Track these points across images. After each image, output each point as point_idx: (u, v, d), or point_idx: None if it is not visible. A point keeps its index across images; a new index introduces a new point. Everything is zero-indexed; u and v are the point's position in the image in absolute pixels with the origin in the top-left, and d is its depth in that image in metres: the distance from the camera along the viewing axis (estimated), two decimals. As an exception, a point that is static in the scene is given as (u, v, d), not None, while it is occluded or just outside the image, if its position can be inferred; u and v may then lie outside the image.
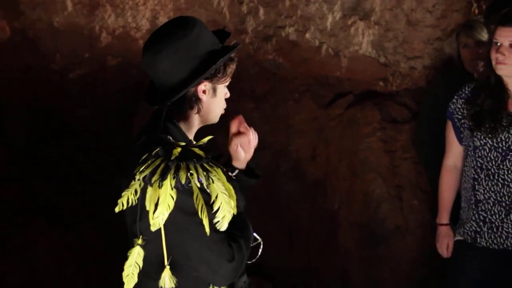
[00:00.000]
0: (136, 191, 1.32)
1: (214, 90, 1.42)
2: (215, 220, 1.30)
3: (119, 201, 1.33)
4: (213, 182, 1.30)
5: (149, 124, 1.42)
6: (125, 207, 1.33)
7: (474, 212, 2.13)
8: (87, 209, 3.12)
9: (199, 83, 1.38)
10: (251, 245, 1.46)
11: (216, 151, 1.43)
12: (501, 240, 2.09)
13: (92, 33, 2.89)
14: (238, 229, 1.38)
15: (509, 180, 2.05)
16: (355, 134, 2.86)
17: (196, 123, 1.44)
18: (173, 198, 1.28)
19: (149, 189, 1.29)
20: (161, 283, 1.35)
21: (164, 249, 1.34)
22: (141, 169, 1.30)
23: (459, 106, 2.16)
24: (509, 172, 2.05)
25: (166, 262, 1.34)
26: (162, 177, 1.27)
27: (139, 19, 2.85)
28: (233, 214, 1.33)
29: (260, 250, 1.51)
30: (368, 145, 2.82)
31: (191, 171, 1.28)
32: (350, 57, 2.82)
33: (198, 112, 1.41)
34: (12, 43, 2.95)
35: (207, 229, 1.29)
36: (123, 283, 1.38)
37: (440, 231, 2.28)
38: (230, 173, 1.46)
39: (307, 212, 3.03)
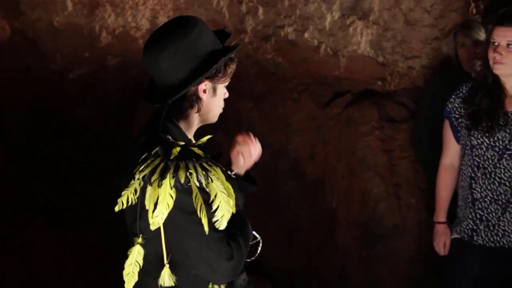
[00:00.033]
0: (135, 190, 1.32)
1: (214, 89, 1.43)
2: (214, 219, 1.31)
3: (119, 200, 1.34)
4: (212, 181, 1.31)
5: (149, 123, 1.43)
6: (125, 206, 1.34)
7: (471, 210, 2.14)
8: (87, 209, 3.11)
9: (200, 82, 1.39)
10: (250, 243, 1.47)
11: (215, 150, 1.44)
12: (498, 238, 2.10)
13: (92, 32, 2.89)
14: (237, 228, 1.39)
15: (505, 179, 2.06)
16: (353, 133, 2.87)
17: (195, 122, 1.45)
18: (172, 197, 1.29)
19: (149, 188, 1.30)
20: (160, 281, 1.35)
21: (163, 248, 1.35)
22: (140, 169, 1.31)
23: (457, 106, 2.17)
24: (506, 170, 2.06)
25: (165, 261, 1.35)
26: (162, 177, 1.28)
27: (139, 18, 2.85)
28: (232, 213, 1.34)
29: (259, 248, 1.52)
30: (366, 144, 2.82)
31: (190, 171, 1.29)
32: (348, 56, 2.82)
33: (198, 111, 1.42)
34: (12, 43, 2.95)
35: (206, 228, 1.30)
36: (123, 283, 1.39)
37: (437, 229, 2.29)
38: (229, 172, 1.47)
39: (306, 211, 3.04)
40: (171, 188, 1.28)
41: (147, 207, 1.31)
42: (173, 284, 1.35)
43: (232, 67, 1.43)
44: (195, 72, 1.37)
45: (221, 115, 1.49)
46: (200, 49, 1.37)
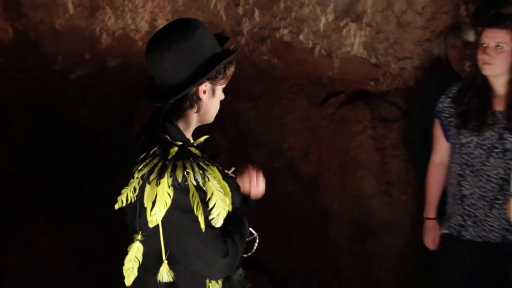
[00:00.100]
0: (135, 189, 1.35)
1: (214, 91, 1.46)
2: (210, 217, 1.34)
3: (118, 198, 1.38)
4: (208, 180, 1.34)
5: (149, 123, 1.45)
6: (124, 204, 1.37)
7: (460, 206, 2.18)
8: (87, 209, 3.12)
9: (201, 83, 1.42)
10: (247, 239, 1.50)
11: (212, 150, 1.46)
12: (485, 233, 2.13)
13: (93, 34, 2.91)
14: (234, 225, 1.42)
15: (493, 176, 2.09)
16: (346, 133, 2.88)
17: (194, 122, 1.48)
18: (170, 196, 1.31)
19: (147, 187, 1.33)
20: (159, 277, 1.38)
21: (162, 244, 1.38)
22: (139, 168, 1.34)
23: (447, 105, 2.20)
24: (493, 168, 2.09)
25: (164, 257, 1.38)
26: (160, 176, 1.31)
27: (138, 21, 2.86)
28: (229, 211, 1.37)
29: (256, 244, 1.55)
30: (359, 143, 2.84)
31: (187, 170, 1.32)
32: (342, 57, 2.83)
33: (198, 111, 1.45)
34: (15, 44, 2.96)
35: (203, 226, 1.33)
36: (123, 283, 1.42)
37: (427, 224, 2.32)
38: (226, 171, 1.50)
39: (301, 209, 3.04)
40: (169, 187, 1.31)
41: (145, 205, 1.34)
42: (171, 280, 1.38)
43: (231, 70, 1.47)
44: (197, 73, 1.40)
45: (218, 116, 1.52)
46: (201, 51, 1.41)
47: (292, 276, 3.09)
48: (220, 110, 1.52)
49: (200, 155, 1.36)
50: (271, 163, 3.08)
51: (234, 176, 1.53)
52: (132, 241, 1.41)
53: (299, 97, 3.04)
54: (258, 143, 3.14)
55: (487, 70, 2.07)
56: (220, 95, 1.49)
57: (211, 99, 1.47)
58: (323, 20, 2.75)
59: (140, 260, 1.39)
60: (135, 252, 1.39)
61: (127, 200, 1.37)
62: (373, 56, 2.81)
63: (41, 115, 3.26)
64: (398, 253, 2.78)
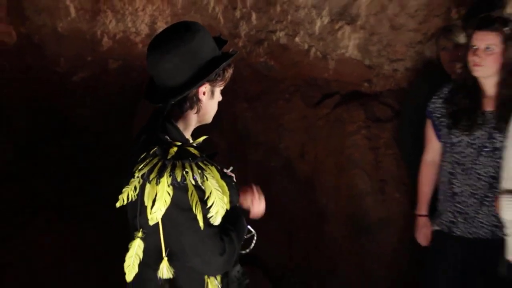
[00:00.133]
0: (135, 188, 1.39)
1: (213, 92, 1.50)
2: (208, 215, 1.37)
3: (120, 197, 1.41)
4: (207, 179, 1.37)
5: (149, 123, 1.49)
6: (125, 202, 1.41)
7: (451, 204, 2.21)
8: (87, 209, 3.13)
9: (201, 85, 1.45)
10: (246, 237, 1.54)
11: (211, 150, 1.50)
12: (475, 230, 2.17)
13: (94, 37, 2.93)
14: (231, 223, 1.46)
15: (483, 174, 2.13)
16: (341, 132, 2.90)
17: (193, 122, 1.51)
18: (169, 195, 1.35)
19: (147, 186, 1.37)
20: (159, 273, 1.42)
21: (162, 242, 1.41)
22: (139, 167, 1.37)
23: (438, 106, 2.23)
24: (483, 167, 2.12)
25: (164, 254, 1.42)
26: (159, 175, 1.34)
27: (139, 24, 2.88)
28: (227, 209, 1.40)
29: (254, 241, 1.58)
30: (354, 142, 2.86)
31: (186, 169, 1.35)
32: (337, 59, 2.84)
33: (197, 112, 1.49)
34: (18, 48, 2.98)
35: (201, 224, 1.36)
36: (123, 283, 1.45)
37: (419, 221, 2.35)
38: (224, 170, 1.54)
39: (298, 207, 3.06)
40: (168, 186, 1.35)
41: (146, 204, 1.37)
42: (171, 276, 1.42)
43: (230, 72, 1.50)
44: (197, 75, 1.43)
45: (216, 116, 1.55)
46: (202, 54, 1.44)
47: (292, 276, 3.11)
48: (218, 111, 1.55)
49: (198, 155, 1.39)
50: (268, 162, 3.10)
51: (232, 175, 1.56)
52: (133, 238, 1.44)
53: (295, 98, 3.06)
54: (255, 143, 3.17)
55: (478, 72, 2.10)
56: (218, 97, 1.53)
57: (210, 100, 1.50)
58: (318, 23, 2.77)
59: (141, 257, 1.43)
60: (136, 249, 1.43)
61: (128, 198, 1.40)
62: (367, 58, 2.82)
63: (41, 115, 3.27)
64: (392, 250, 2.80)
